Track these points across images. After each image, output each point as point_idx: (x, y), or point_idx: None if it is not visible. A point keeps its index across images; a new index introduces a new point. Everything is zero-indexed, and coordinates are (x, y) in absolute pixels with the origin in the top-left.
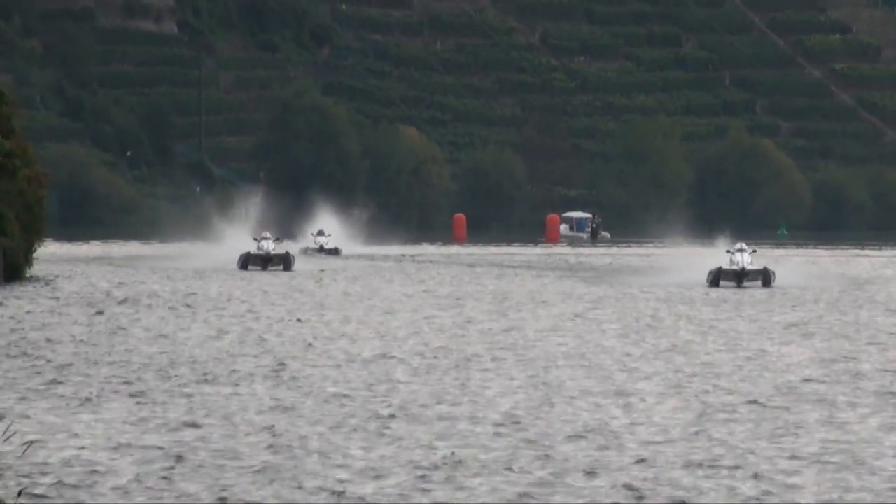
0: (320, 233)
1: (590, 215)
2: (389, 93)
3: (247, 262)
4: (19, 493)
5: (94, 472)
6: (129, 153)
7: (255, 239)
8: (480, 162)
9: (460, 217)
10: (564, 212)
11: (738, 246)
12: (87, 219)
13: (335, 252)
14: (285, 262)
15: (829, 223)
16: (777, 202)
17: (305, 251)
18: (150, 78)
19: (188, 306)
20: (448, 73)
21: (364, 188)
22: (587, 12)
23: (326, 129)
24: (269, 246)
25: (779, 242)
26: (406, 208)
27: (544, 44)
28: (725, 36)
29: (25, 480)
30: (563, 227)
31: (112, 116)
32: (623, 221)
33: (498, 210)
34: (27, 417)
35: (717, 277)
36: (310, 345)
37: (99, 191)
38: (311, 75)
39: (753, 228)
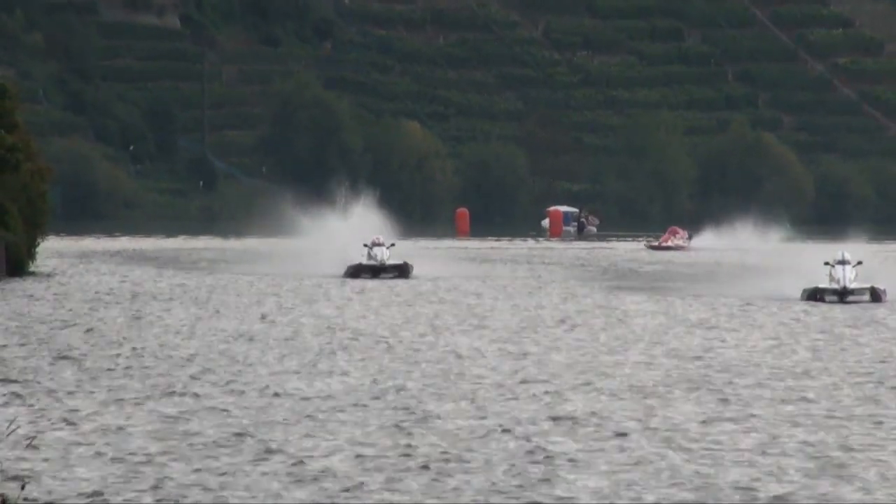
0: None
1: (577, 210)
2: (392, 87)
3: (357, 274)
4: (22, 487)
5: (98, 468)
6: (131, 147)
7: (365, 245)
8: (483, 156)
9: (463, 211)
10: (561, 206)
11: (839, 256)
12: (90, 213)
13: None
14: (402, 271)
15: (831, 217)
16: (780, 197)
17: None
18: (153, 72)
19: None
20: (451, 67)
21: (366, 182)
22: (589, 6)
23: (329, 124)
24: (384, 254)
25: (785, 238)
26: (408, 203)
27: (547, 38)
28: (728, 30)
29: (29, 477)
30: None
31: (115, 111)
32: (625, 216)
33: (500, 204)
34: (31, 412)
35: (813, 299)
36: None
37: (102, 185)
38: (313, 69)
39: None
